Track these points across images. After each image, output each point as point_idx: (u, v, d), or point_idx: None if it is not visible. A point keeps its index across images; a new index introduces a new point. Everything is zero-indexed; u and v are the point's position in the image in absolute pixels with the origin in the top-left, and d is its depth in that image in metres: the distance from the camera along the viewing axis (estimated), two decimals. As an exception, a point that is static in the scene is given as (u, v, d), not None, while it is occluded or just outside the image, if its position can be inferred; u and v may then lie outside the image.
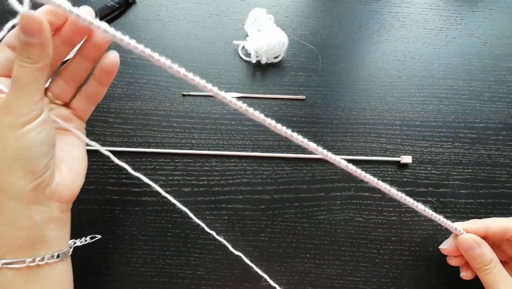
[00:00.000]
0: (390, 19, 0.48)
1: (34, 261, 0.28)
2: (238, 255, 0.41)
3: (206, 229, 0.41)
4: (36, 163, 0.26)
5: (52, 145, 0.28)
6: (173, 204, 0.43)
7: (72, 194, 0.30)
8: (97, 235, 0.38)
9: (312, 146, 0.29)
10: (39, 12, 0.25)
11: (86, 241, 0.37)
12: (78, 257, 0.41)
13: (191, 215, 0.36)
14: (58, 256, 0.29)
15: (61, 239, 0.30)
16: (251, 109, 0.27)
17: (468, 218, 0.43)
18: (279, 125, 0.28)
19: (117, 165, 0.43)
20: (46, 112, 0.27)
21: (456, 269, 0.39)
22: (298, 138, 0.28)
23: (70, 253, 0.32)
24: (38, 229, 0.28)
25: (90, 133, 0.43)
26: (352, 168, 0.30)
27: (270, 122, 0.27)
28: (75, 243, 0.34)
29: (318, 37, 0.47)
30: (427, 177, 0.44)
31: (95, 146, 0.32)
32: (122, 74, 0.45)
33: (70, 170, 0.30)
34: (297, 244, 0.43)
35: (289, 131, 0.28)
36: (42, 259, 0.28)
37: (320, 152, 0.29)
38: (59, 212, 0.30)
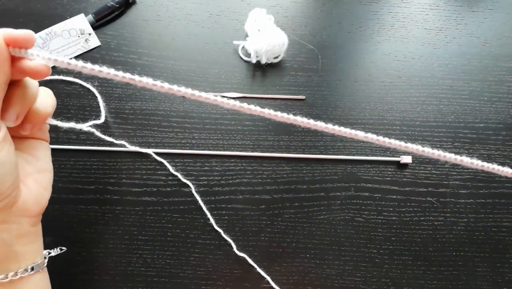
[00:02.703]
0: (390, 19, 0.48)
1: (7, 277, 0.27)
2: (238, 255, 0.42)
3: (215, 226, 0.42)
4: (2, 184, 0.25)
5: (15, 162, 0.26)
6: (172, 204, 0.43)
7: (40, 207, 0.29)
8: (63, 248, 0.36)
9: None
10: None
11: (61, 250, 0.36)
12: (78, 257, 0.42)
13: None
14: (32, 269, 0.29)
15: (34, 252, 0.30)
16: (245, 105, 0.24)
17: (468, 218, 0.44)
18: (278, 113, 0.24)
19: (117, 164, 0.43)
20: (4, 128, 0.25)
21: (456, 269, 0.39)
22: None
23: (45, 264, 0.31)
24: (7, 246, 0.27)
25: (89, 133, 0.43)
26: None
27: (270, 113, 0.24)
28: (49, 253, 0.33)
29: (318, 37, 0.47)
30: (427, 177, 0.44)
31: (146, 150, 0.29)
32: (122, 74, 0.45)
33: (36, 184, 0.29)
34: (297, 244, 0.43)
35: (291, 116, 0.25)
36: (16, 274, 0.28)
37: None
38: (29, 226, 0.29)
